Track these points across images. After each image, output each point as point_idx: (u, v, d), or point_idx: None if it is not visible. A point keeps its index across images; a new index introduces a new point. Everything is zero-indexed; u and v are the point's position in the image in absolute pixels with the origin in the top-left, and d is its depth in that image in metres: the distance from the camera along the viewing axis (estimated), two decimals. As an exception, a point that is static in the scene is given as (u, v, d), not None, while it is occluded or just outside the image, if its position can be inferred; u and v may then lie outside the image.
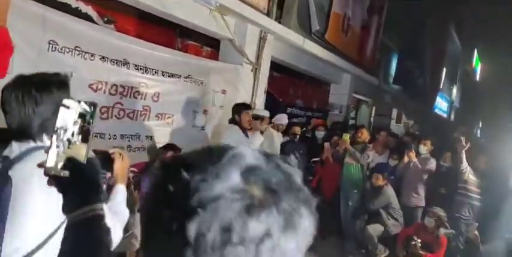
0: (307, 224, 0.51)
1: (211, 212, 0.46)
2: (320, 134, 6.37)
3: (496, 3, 14.70)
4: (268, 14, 5.62)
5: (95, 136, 3.49)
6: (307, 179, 5.62)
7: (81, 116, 0.95)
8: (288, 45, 6.35)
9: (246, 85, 5.47)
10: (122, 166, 1.80)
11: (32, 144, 1.38)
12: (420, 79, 14.35)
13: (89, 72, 3.39)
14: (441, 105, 18.75)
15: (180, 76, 4.46)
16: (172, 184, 0.50)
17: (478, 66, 25.80)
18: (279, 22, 5.97)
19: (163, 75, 4.22)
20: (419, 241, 4.63)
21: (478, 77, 26.53)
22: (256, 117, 4.62)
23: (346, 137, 5.51)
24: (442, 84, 18.17)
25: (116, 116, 3.73)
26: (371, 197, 5.23)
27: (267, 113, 5.12)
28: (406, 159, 5.68)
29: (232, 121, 4.46)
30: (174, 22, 4.67)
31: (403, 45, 12.26)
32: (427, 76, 15.55)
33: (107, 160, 1.85)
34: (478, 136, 23.61)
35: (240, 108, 4.44)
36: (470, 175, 5.39)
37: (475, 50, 23.71)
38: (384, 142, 6.28)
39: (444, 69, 17.82)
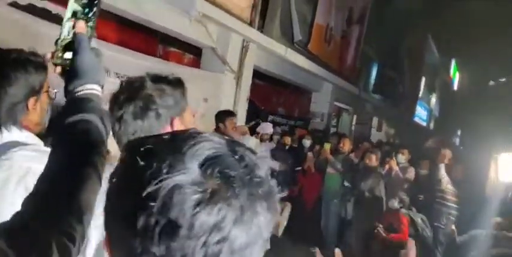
0: (262, 220, 0.49)
1: (161, 205, 0.44)
2: (307, 142, 6.41)
3: (473, 14, 15.10)
4: (251, 24, 5.67)
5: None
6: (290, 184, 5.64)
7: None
8: (270, 55, 6.41)
9: (228, 93, 5.48)
10: None
11: None
12: (399, 88, 14.61)
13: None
14: (421, 113, 19.08)
15: (162, 84, 4.42)
16: (129, 171, 0.49)
17: (455, 76, 26.36)
18: (262, 32, 6.01)
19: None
20: (381, 225, 4.77)
21: (456, 87, 27.10)
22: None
23: (327, 146, 5.55)
24: (421, 93, 18.51)
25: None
26: (362, 177, 5.25)
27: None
28: (387, 167, 5.75)
29: (216, 130, 4.44)
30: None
31: (383, 54, 12.47)
32: (406, 85, 15.85)
33: None
34: (457, 144, 24.08)
35: (224, 115, 4.39)
36: (448, 185, 5.48)
37: (453, 60, 24.25)
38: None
39: (423, 78, 18.18)
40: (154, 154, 0.48)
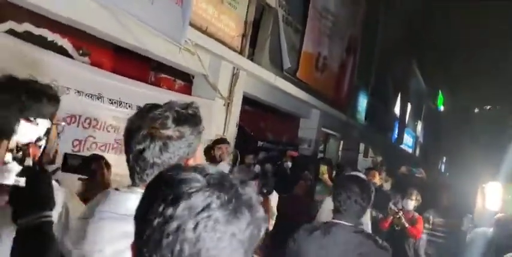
0: (242, 221, 0.65)
1: (178, 225, 0.63)
2: (288, 165, 6.48)
3: (456, 43, 15.57)
4: (241, 52, 5.84)
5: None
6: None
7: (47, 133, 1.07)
8: (260, 82, 6.56)
9: (218, 119, 5.58)
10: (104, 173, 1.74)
11: None
12: (387, 116, 14.86)
13: (64, 106, 3.40)
14: (407, 140, 19.32)
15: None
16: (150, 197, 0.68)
17: (441, 104, 26.84)
18: (252, 59, 6.18)
19: (137, 109, 4.25)
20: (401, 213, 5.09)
21: (441, 114, 27.56)
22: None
23: (324, 168, 5.55)
24: (407, 120, 18.81)
25: (87, 149, 3.73)
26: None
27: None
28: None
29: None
30: (147, 55, 4.78)
31: (370, 82, 12.76)
32: (393, 113, 16.13)
33: (86, 166, 1.82)
34: (442, 171, 24.26)
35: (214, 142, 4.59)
36: (432, 219, 5.56)
37: (438, 89, 24.77)
38: None
39: (409, 106, 18.52)
40: (179, 170, 0.70)
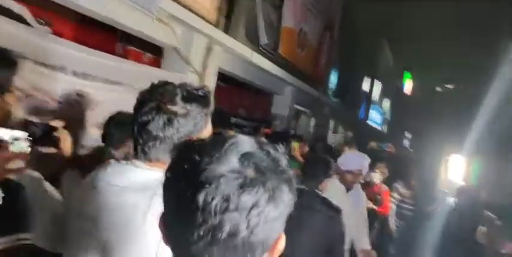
0: (286, 199, 0.66)
1: (215, 187, 0.60)
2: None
3: (429, 20, 15.70)
4: (216, 25, 5.56)
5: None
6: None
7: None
8: (235, 57, 6.31)
9: (190, 95, 5.35)
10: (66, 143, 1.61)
11: None
12: (356, 93, 14.95)
13: (23, 78, 3.11)
14: (375, 117, 19.62)
15: (122, 83, 4.25)
16: (186, 163, 0.64)
17: (407, 81, 27.33)
18: (227, 34, 5.92)
19: (103, 82, 3.99)
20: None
21: (407, 92, 28.11)
22: None
23: (295, 145, 5.48)
24: (375, 98, 19.06)
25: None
26: None
27: None
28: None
29: None
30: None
31: (341, 59, 12.71)
32: (362, 89, 16.26)
33: (48, 135, 1.63)
34: (407, 146, 25.03)
35: None
36: (400, 190, 5.63)
37: (406, 67, 25.14)
38: None
39: (378, 83, 18.72)
40: (204, 150, 0.65)
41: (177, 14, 4.66)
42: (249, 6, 6.37)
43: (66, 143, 1.58)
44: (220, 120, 6.15)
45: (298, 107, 10.32)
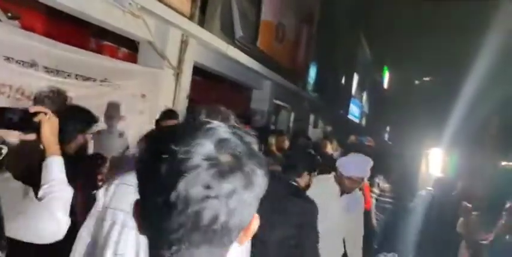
0: (261, 182, 0.67)
1: (194, 175, 0.61)
2: None
3: (406, 14, 15.88)
4: (190, 18, 5.49)
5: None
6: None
7: None
8: (211, 50, 6.26)
9: (167, 90, 5.28)
10: (51, 129, 1.52)
11: None
12: (335, 86, 15.04)
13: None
14: (353, 111, 19.79)
15: (96, 79, 4.17)
16: (164, 153, 0.63)
17: (385, 74, 27.65)
18: (202, 27, 5.85)
19: (76, 78, 3.91)
20: None
21: (385, 85, 28.44)
22: None
23: (272, 140, 5.47)
24: (353, 91, 19.21)
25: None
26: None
27: None
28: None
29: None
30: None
31: (320, 53, 12.75)
32: (341, 84, 16.37)
33: (28, 121, 1.53)
34: (386, 139, 25.32)
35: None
36: (381, 184, 5.67)
37: (383, 61, 25.42)
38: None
39: (356, 76, 18.87)
40: (181, 139, 0.64)
41: (150, 7, 4.58)
42: (224, -1, 6.32)
43: (47, 128, 1.48)
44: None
45: (277, 102, 10.33)
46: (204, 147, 0.63)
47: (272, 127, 10.17)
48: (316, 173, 2.89)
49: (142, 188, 0.68)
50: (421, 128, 18.13)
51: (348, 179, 3.10)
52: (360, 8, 15.53)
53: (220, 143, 0.64)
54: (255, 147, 0.69)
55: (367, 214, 5.51)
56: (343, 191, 3.19)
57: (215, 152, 0.63)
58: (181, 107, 5.51)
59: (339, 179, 3.16)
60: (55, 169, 1.46)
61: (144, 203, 0.67)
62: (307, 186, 2.80)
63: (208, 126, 0.66)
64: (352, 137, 9.71)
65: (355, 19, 15.44)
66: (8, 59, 3.19)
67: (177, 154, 0.62)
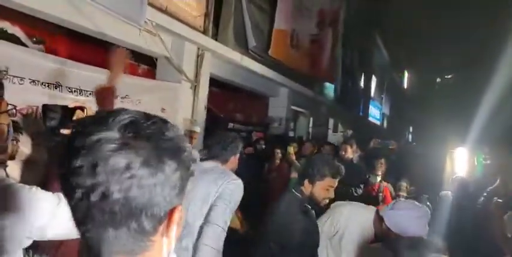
0: (167, 169, 0.64)
1: (86, 152, 0.62)
2: (261, 146, 6.45)
3: (421, 15, 15.74)
4: (204, 32, 5.66)
5: (30, 163, 3.30)
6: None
7: None
8: (226, 62, 6.42)
9: (185, 103, 5.44)
10: None
11: None
12: (353, 89, 14.99)
13: (19, 97, 3.22)
14: (374, 113, 19.65)
15: (117, 96, 4.33)
16: (71, 134, 0.66)
17: (404, 75, 27.33)
18: (216, 39, 6.02)
19: (98, 96, 4.09)
20: None
21: (405, 85, 28.11)
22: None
23: (290, 149, 5.55)
24: (372, 94, 19.09)
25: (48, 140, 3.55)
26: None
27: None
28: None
29: None
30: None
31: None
32: (359, 86, 16.30)
33: (68, 117, 1.62)
34: (410, 140, 24.96)
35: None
36: (405, 186, 5.65)
37: (402, 60, 25.15)
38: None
39: (374, 78, 18.75)
40: (91, 122, 0.65)
41: (165, 24, 4.76)
42: (236, 11, 6.48)
43: None
44: (217, 127, 6.26)
45: (295, 108, 10.41)
46: (108, 129, 0.64)
47: (291, 134, 10.25)
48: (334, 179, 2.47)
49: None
50: (445, 127, 17.80)
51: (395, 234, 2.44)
52: (374, 7, 15.47)
53: (126, 126, 0.65)
54: (172, 134, 0.67)
55: None
56: (376, 237, 2.61)
57: (117, 134, 0.63)
58: (200, 119, 5.67)
59: (380, 228, 2.55)
60: None
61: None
62: (323, 199, 2.47)
63: (120, 112, 0.67)
64: (375, 141, 9.67)
65: (369, 19, 15.38)
66: (33, 81, 3.39)
67: (80, 133, 0.64)
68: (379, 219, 2.57)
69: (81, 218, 0.64)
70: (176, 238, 0.71)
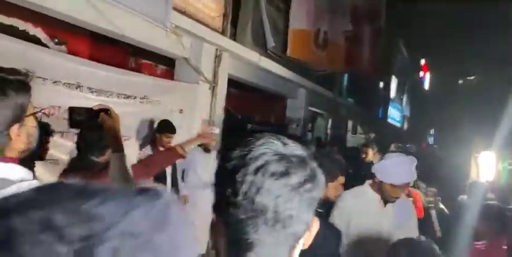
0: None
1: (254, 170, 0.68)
2: None
3: (442, 15, 15.48)
4: (223, 33, 5.68)
5: (50, 163, 3.37)
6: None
7: None
8: (244, 63, 6.42)
9: (203, 103, 5.47)
10: (113, 126, 1.59)
11: None
12: (373, 91, 14.83)
13: (41, 97, 3.28)
14: (394, 115, 19.41)
15: (136, 97, 4.40)
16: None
17: (426, 75, 26.93)
18: (234, 40, 6.03)
19: (118, 97, 4.15)
20: None
21: (426, 86, 27.70)
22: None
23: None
24: (393, 95, 18.86)
25: (71, 140, 3.62)
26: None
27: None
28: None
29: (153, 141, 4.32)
30: (126, 41, 4.62)
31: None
32: (378, 87, 16.12)
33: (94, 121, 1.67)
34: (431, 143, 24.57)
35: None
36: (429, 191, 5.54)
37: (422, 60, 24.81)
38: None
39: (394, 79, 18.52)
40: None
41: (184, 25, 4.79)
42: (254, 11, 6.49)
43: (109, 125, 1.61)
44: (236, 127, 6.26)
45: (313, 109, 10.36)
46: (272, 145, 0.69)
47: (309, 135, 10.20)
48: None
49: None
50: (468, 130, 17.43)
51: (390, 186, 2.57)
52: (395, 7, 15.28)
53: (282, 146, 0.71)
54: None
55: (422, 222, 5.35)
56: (386, 201, 2.66)
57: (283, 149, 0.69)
58: (218, 120, 5.69)
59: (379, 187, 2.64)
60: (117, 166, 1.52)
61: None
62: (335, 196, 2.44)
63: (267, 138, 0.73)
64: (396, 145, 9.54)
65: (390, 19, 15.19)
66: (55, 82, 3.46)
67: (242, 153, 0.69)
68: (375, 182, 2.67)
69: (238, 209, 0.67)
70: None
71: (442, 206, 4.92)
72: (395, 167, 2.59)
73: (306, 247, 0.74)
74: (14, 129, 1.08)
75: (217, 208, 0.71)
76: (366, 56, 10.31)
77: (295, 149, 0.71)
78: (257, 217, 0.65)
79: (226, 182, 0.68)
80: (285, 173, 0.66)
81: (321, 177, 0.71)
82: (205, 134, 2.51)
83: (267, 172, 0.65)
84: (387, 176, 2.58)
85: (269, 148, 0.69)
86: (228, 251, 0.71)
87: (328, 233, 1.90)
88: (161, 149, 4.20)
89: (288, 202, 0.65)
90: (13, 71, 1.09)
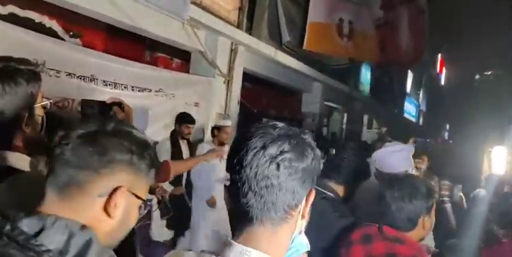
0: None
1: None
2: None
3: (460, 10, 15.21)
4: (238, 26, 5.61)
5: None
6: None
7: None
8: (259, 56, 6.34)
9: (219, 97, 5.41)
10: (126, 119, 1.59)
11: None
12: (389, 86, 14.65)
13: (55, 89, 3.26)
14: (409, 109, 19.17)
15: (151, 90, 4.37)
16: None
17: (444, 70, 26.56)
18: (250, 34, 5.95)
19: (133, 90, 4.12)
20: None
21: (443, 82, 27.31)
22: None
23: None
24: (408, 90, 18.61)
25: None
26: None
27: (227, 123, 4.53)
28: None
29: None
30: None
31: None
32: (395, 82, 15.91)
33: (106, 114, 1.65)
34: (446, 138, 24.29)
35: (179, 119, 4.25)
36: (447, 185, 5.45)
37: (439, 55, 24.44)
38: None
39: (410, 74, 18.27)
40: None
41: (200, 18, 4.73)
42: (270, 5, 6.39)
43: (122, 119, 1.60)
44: (250, 122, 6.20)
45: (329, 103, 10.24)
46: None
47: (325, 129, 10.10)
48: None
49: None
50: (483, 125, 17.19)
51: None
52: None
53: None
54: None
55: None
56: None
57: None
58: (233, 113, 5.63)
59: (379, 177, 2.52)
60: None
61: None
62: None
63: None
64: (411, 141, 9.39)
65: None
66: (69, 74, 3.43)
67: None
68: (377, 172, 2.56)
69: (246, 191, 0.76)
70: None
71: (461, 194, 4.81)
72: (392, 155, 2.53)
73: (305, 217, 0.81)
74: (24, 118, 1.11)
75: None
76: (402, 42, 9.90)
77: (282, 128, 0.78)
78: (244, 185, 0.73)
79: (228, 163, 0.77)
80: (263, 147, 0.73)
81: (310, 149, 0.77)
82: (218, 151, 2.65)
83: (250, 148, 0.73)
84: (386, 166, 2.50)
85: (259, 131, 0.76)
86: (236, 214, 0.80)
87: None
88: (180, 141, 4.24)
89: (266, 170, 0.72)
90: (24, 61, 1.12)
